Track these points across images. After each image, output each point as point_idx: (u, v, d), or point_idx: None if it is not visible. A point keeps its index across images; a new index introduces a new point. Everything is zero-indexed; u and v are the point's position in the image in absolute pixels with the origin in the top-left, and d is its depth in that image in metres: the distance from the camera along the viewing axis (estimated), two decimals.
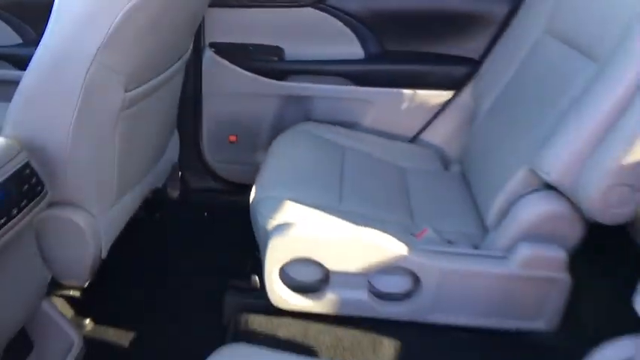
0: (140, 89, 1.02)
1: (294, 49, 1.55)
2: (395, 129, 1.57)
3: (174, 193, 1.66)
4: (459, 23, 1.50)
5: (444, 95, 1.52)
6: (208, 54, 1.53)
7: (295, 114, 1.59)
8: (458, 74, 1.51)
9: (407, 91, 1.53)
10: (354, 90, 1.54)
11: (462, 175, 1.37)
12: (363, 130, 1.56)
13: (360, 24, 1.50)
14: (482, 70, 1.46)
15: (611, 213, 0.90)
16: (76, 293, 1.17)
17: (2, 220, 0.79)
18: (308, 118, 1.58)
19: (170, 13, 0.99)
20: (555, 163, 0.93)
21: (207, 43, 1.54)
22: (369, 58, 1.53)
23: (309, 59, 1.54)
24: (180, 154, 1.57)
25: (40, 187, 0.89)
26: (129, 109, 1.01)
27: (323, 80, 1.54)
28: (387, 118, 1.56)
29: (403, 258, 0.95)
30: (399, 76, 1.53)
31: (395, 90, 1.53)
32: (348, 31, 1.50)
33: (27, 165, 0.87)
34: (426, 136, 1.57)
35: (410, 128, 1.57)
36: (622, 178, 0.86)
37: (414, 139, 1.58)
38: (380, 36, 1.52)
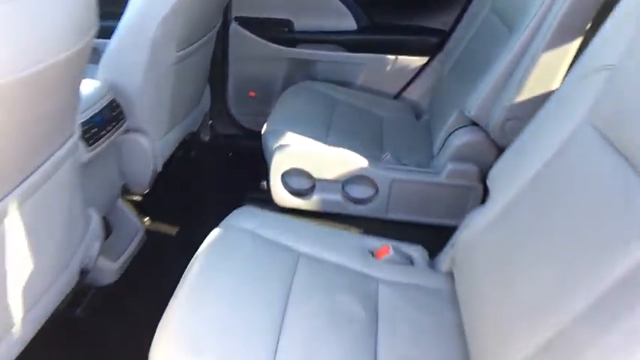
0: (185, 50, 1.45)
1: (302, 22, 1.94)
2: (381, 87, 1.96)
3: (206, 137, 2.10)
4: (433, 1, 1.87)
5: (420, 60, 1.90)
6: (234, 25, 1.94)
7: (302, 75, 1.99)
8: (431, 43, 1.88)
9: (390, 57, 1.91)
10: (348, 56, 1.93)
11: (428, 122, 1.76)
12: (355, 88, 1.96)
13: (352, 1, 1.88)
14: (449, 40, 1.83)
15: (509, 139, 1.28)
16: (139, 198, 1.62)
17: (103, 132, 1.23)
18: (312, 78, 1.98)
19: None
20: (474, 104, 1.32)
21: (233, 16, 1.94)
22: (360, 30, 1.91)
23: (313, 30, 1.93)
24: (210, 106, 2.00)
25: (121, 116, 1.33)
26: (177, 65, 1.44)
27: (324, 47, 1.94)
28: (375, 78, 1.95)
29: (366, 169, 1.37)
30: (385, 44, 1.92)
31: (381, 56, 1.91)
32: (343, 7, 1.88)
33: (114, 100, 1.31)
34: (406, 93, 1.96)
35: (393, 87, 1.96)
36: (514, 113, 1.25)
37: (396, 97, 1.97)
38: (369, 11, 1.90)
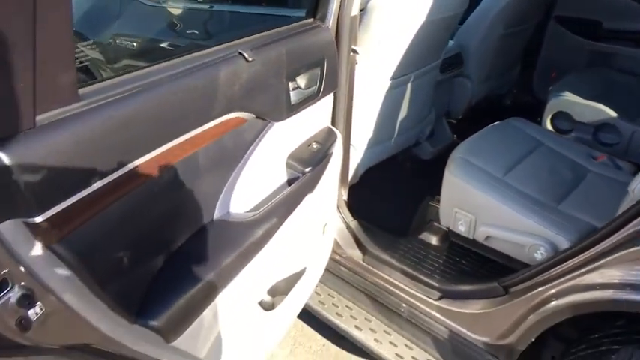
0: (508, 31, 2.28)
1: (609, 23, 2.49)
2: None
3: (508, 101, 2.88)
4: None
5: None
6: (552, 22, 2.64)
7: (597, 63, 2.54)
8: None
9: None
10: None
11: None
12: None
13: None
14: None
15: None
16: (454, 121, 2.56)
17: (449, 69, 2.20)
18: (606, 67, 2.51)
19: None
20: None
21: (554, 14, 2.64)
22: None
23: (616, 29, 2.46)
24: (517, 78, 2.76)
25: (460, 64, 2.28)
26: (500, 41, 2.28)
27: (621, 44, 2.45)
28: None
29: (615, 120, 1.94)
30: None
31: None
32: None
33: (458, 53, 2.27)
34: None
35: None
36: None
37: None
38: None
